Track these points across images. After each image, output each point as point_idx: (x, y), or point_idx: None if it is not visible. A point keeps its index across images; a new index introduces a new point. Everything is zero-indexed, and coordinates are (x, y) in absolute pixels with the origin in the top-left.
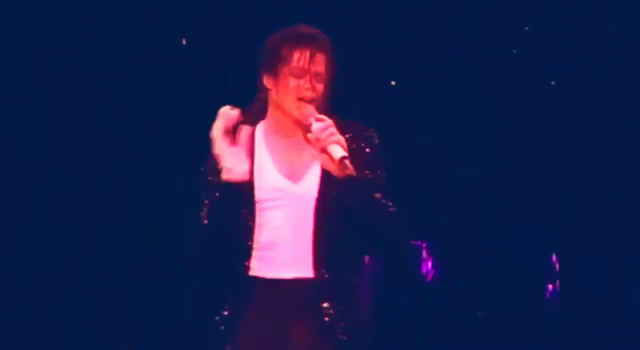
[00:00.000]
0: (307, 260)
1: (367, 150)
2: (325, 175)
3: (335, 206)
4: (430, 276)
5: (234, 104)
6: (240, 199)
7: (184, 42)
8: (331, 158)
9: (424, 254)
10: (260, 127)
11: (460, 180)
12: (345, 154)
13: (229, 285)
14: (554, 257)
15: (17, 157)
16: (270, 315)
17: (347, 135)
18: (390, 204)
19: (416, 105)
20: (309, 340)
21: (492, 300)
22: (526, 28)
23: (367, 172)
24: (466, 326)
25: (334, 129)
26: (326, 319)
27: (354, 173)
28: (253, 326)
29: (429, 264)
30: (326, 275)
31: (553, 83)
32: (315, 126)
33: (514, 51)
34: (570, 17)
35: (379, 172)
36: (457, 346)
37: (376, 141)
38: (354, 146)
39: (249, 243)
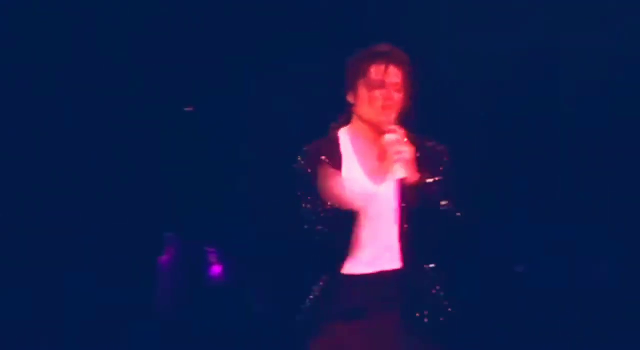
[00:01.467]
0: (392, 257)
1: (439, 167)
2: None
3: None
4: (218, 279)
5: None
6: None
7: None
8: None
9: (213, 258)
10: (344, 132)
11: None
12: (403, 176)
13: (324, 282)
14: None
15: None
16: (360, 307)
17: (417, 151)
18: (457, 211)
19: None
20: (392, 328)
21: None
22: None
23: (436, 185)
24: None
25: (402, 147)
26: (411, 307)
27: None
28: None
29: (218, 268)
30: (409, 269)
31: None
32: (388, 137)
33: None
34: None
35: (447, 185)
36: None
37: (446, 158)
38: (426, 161)
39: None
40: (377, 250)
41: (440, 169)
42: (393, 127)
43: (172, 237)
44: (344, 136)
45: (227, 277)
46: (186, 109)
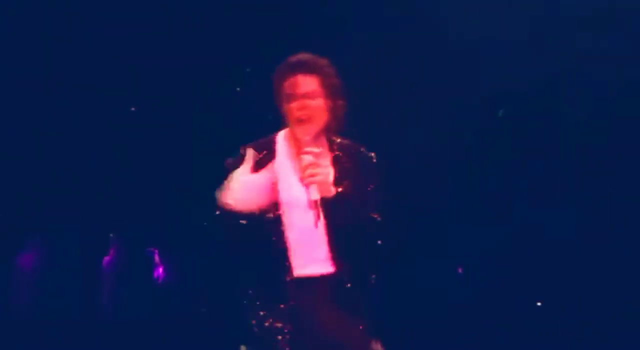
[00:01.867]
0: (323, 257)
1: (359, 168)
2: (337, 184)
3: (341, 212)
4: (160, 279)
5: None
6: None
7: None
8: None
9: (156, 259)
10: (281, 136)
11: None
12: (317, 198)
13: (261, 281)
14: None
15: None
16: (294, 308)
17: (339, 154)
18: (377, 216)
19: None
20: (329, 327)
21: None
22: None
23: (356, 190)
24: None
25: (315, 169)
26: (346, 306)
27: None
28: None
29: (160, 269)
30: (339, 269)
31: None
32: (304, 159)
33: None
34: None
35: (369, 188)
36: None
37: (367, 159)
38: (345, 165)
39: (282, 241)
40: (307, 253)
41: (368, 179)
42: (308, 148)
43: (115, 237)
44: (281, 139)
45: (171, 278)
46: (132, 109)
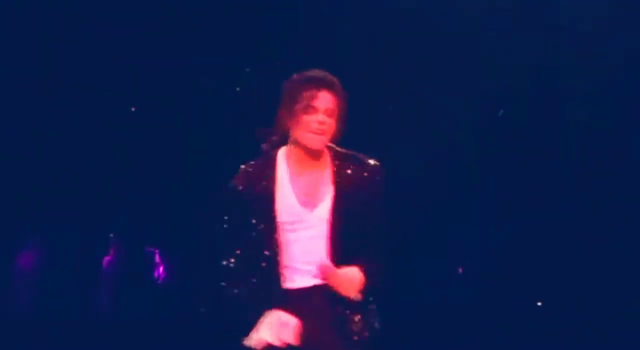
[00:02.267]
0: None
1: (368, 185)
2: (337, 202)
3: (345, 228)
4: (160, 279)
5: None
6: (267, 221)
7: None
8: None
9: (156, 259)
10: (282, 154)
11: None
12: (358, 297)
13: (259, 295)
14: None
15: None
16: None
17: (348, 170)
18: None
19: None
20: (325, 338)
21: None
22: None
23: (365, 206)
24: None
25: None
26: (342, 319)
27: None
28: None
29: (160, 269)
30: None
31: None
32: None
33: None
34: None
35: (377, 204)
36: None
37: (377, 174)
38: (348, 178)
39: (277, 259)
40: (309, 266)
41: (369, 188)
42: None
43: (115, 237)
44: (281, 158)
45: (171, 278)
46: (132, 109)
